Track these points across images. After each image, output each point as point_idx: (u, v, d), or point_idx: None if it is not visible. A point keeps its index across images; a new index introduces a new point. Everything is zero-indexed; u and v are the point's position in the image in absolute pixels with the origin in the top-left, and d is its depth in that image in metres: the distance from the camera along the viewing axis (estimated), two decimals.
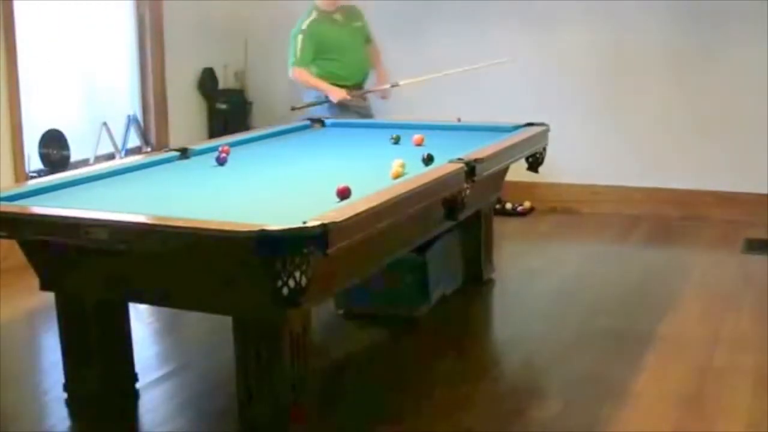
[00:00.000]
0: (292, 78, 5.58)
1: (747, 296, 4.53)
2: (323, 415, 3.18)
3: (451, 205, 3.78)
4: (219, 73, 6.81)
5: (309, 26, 5.48)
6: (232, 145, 4.27)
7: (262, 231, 2.57)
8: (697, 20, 5.93)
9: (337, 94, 5.45)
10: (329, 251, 2.63)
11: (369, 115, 5.65)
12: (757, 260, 5.11)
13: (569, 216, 6.12)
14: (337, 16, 5.54)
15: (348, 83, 5.54)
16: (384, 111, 5.93)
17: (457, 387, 3.54)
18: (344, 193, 3.11)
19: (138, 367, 3.51)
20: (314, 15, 5.52)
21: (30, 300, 4.32)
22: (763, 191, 5.85)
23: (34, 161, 5.29)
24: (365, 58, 5.67)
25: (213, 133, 6.61)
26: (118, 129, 5.91)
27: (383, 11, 6.59)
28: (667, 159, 6.15)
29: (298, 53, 5.47)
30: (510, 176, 4.97)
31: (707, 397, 3.41)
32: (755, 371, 3.61)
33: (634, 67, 6.13)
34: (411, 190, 3.24)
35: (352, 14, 5.62)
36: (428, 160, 3.78)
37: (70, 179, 3.57)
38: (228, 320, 3.02)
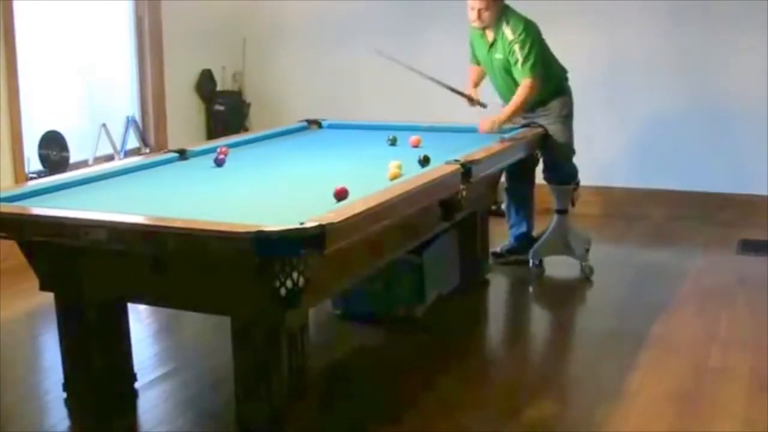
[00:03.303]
0: None
1: (742, 297, 4.55)
2: (321, 415, 3.18)
3: (448, 206, 3.79)
4: (217, 75, 6.83)
5: (470, 28, 4.85)
6: (230, 146, 4.28)
7: (260, 232, 2.58)
8: (697, 21, 5.95)
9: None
10: (326, 252, 2.64)
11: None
12: (752, 261, 5.13)
13: None
14: (488, 35, 4.76)
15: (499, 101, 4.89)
16: (382, 111, 5.95)
17: (453, 387, 3.55)
18: (342, 194, 3.12)
19: (137, 367, 3.52)
20: None
21: (30, 300, 4.33)
22: (759, 192, 5.87)
23: (33, 162, 5.31)
24: (506, 87, 4.81)
25: (211, 135, 6.63)
26: (117, 130, 5.92)
27: (378, 12, 6.62)
28: (664, 160, 6.16)
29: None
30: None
31: (703, 396, 3.42)
32: (750, 371, 3.62)
33: (632, 68, 6.14)
34: (408, 192, 3.25)
35: (498, 42, 4.69)
36: (425, 161, 3.80)
37: (70, 180, 3.58)
38: (226, 320, 3.02)
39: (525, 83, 4.61)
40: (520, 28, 4.64)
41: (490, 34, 4.75)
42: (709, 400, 3.39)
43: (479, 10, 4.65)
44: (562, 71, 4.94)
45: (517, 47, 4.62)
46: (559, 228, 4.91)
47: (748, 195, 5.91)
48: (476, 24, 4.73)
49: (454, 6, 6.30)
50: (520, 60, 4.61)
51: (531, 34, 4.65)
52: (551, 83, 4.82)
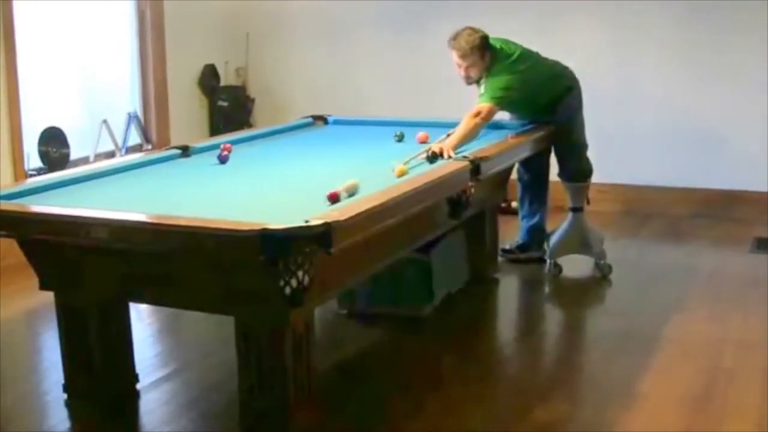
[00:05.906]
0: None
1: (755, 296, 4.49)
2: (327, 414, 3.15)
3: (456, 204, 3.75)
4: (220, 70, 6.79)
5: None
6: (234, 142, 4.25)
7: (265, 230, 2.55)
8: (700, 19, 5.91)
9: None
10: (332, 250, 2.60)
11: None
12: (765, 259, 5.07)
13: None
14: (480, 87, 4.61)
15: None
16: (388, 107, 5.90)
17: (461, 387, 3.52)
18: (334, 199, 3.06)
19: (138, 368, 3.49)
20: None
21: (30, 300, 4.31)
22: None
23: (33, 159, 5.28)
24: (529, 110, 4.82)
25: (214, 131, 6.60)
26: (118, 126, 5.88)
27: (383, 6, 6.57)
28: (675, 157, 6.12)
29: None
30: (516, 174, 4.95)
31: (715, 397, 3.38)
32: (764, 371, 3.58)
33: (637, 65, 6.11)
34: (415, 189, 3.22)
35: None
36: (432, 157, 3.75)
37: (70, 177, 3.56)
38: (229, 320, 2.99)
39: (476, 108, 4.34)
40: (498, 74, 4.50)
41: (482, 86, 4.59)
42: (722, 401, 3.35)
43: (466, 68, 4.59)
44: (562, 77, 4.83)
45: (485, 79, 4.54)
46: (576, 226, 4.81)
47: (763, 192, 5.85)
48: (466, 82, 4.67)
49: (458, 2, 6.28)
50: (484, 89, 4.48)
51: (506, 76, 4.49)
52: (552, 93, 4.74)
